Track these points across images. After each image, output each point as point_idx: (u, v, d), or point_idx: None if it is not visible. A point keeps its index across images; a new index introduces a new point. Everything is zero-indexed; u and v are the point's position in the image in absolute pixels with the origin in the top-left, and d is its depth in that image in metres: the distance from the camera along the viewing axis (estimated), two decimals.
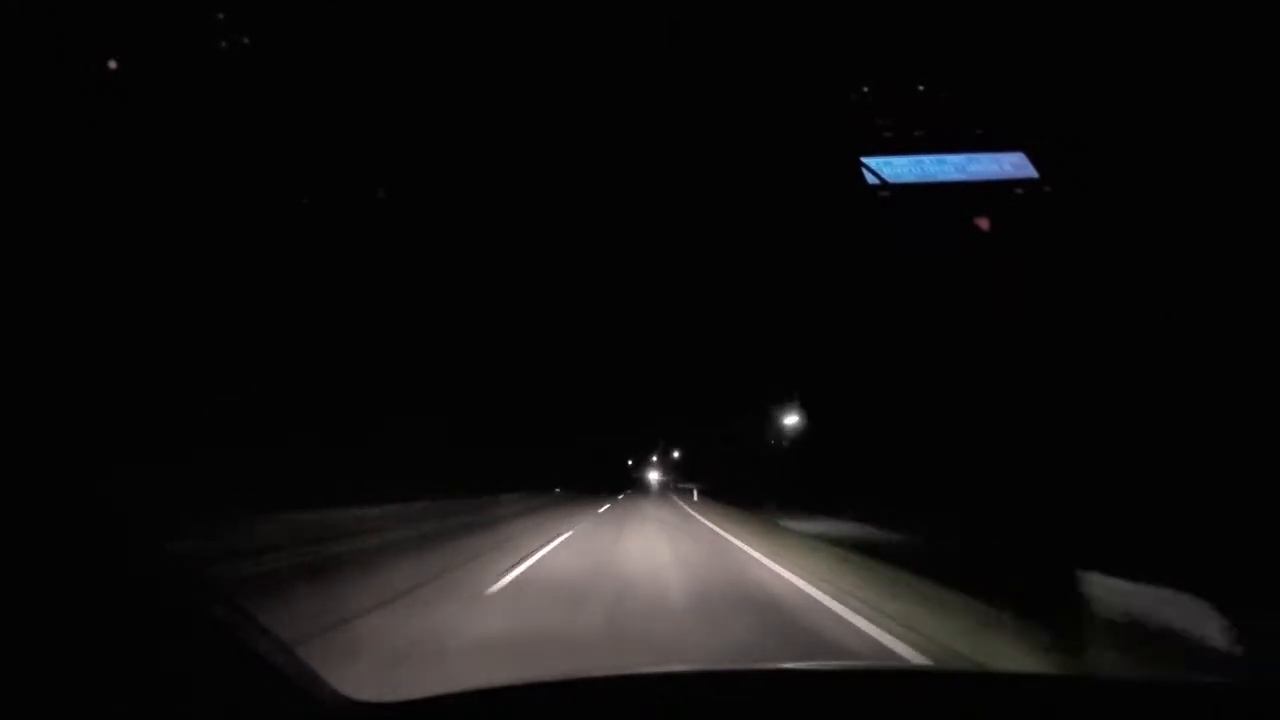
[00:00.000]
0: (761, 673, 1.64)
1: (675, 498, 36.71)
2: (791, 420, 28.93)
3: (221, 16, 11.03)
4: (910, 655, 4.40)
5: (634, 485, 61.62)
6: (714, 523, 16.56)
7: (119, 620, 0.66)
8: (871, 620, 5.31)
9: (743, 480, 32.10)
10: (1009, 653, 4.35)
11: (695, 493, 39.73)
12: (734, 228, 28.44)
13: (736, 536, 12.58)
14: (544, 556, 8.89)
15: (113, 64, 9.62)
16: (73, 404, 6.76)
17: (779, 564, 8.51)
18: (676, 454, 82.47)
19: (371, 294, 16.09)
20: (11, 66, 7.85)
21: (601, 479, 51.20)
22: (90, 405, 7.03)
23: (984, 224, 10.65)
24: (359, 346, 15.03)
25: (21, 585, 0.59)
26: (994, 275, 12.30)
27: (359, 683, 3.36)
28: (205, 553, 6.68)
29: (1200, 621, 3.68)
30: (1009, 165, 9.88)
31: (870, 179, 9.91)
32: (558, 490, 35.19)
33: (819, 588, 6.75)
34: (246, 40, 11.24)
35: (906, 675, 1.58)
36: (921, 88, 10.93)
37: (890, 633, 4.93)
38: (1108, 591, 4.36)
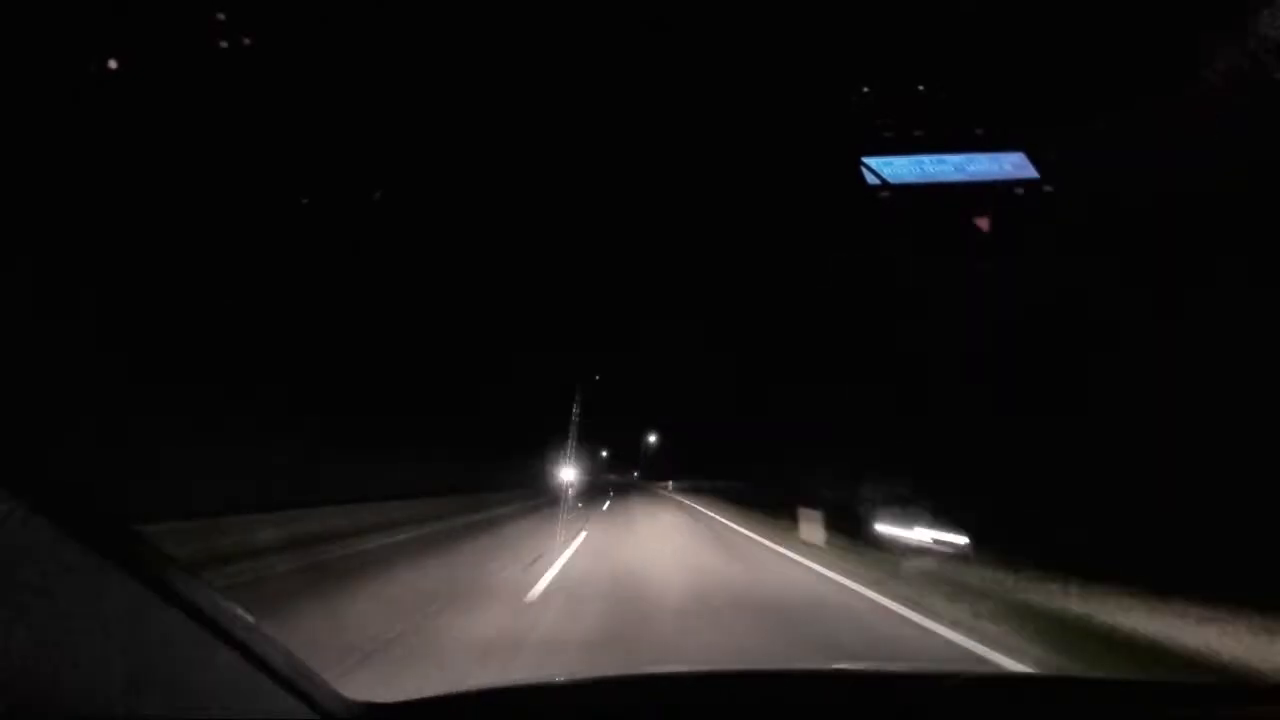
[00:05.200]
0: (762, 674, 1.64)
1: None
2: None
3: (222, 17, 11.01)
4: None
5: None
6: None
7: (117, 619, 0.66)
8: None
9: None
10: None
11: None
12: (729, 229, 28.42)
13: None
14: None
15: (113, 64, 9.62)
16: (70, 401, 6.75)
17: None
18: (605, 453, 78.24)
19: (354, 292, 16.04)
20: (10, 66, 7.84)
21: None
22: (83, 403, 7.03)
23: (984, 224, 10.66)
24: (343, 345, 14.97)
25: (19, 583, 0.59)
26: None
27: (360, 682, 3.36)
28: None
29: None
30: (1009, 165, 9.89)
31: (870, 179, 9.92)
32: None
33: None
34: (247, 40, 11.22)
35: (907, 677, 1.58)
36: (921, 88, 10.94)
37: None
38: None
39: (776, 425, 28.83)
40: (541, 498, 25.12)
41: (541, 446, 37.14)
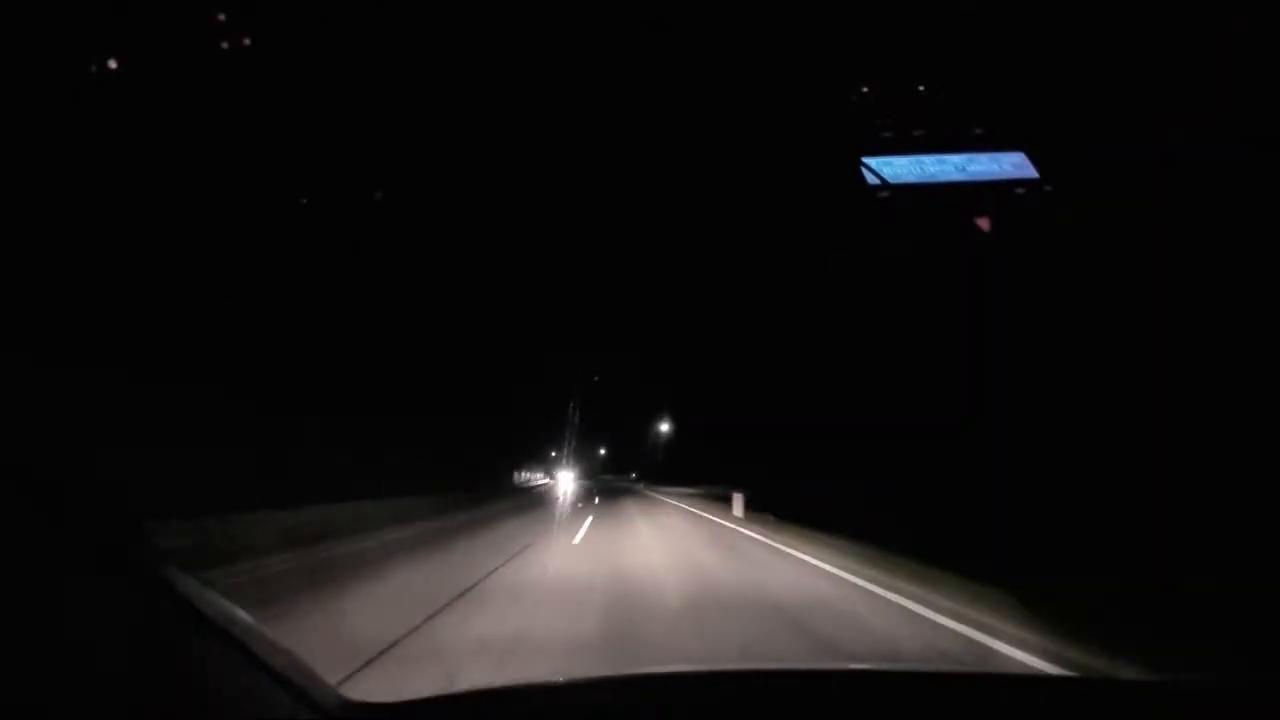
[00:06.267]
0: (762, 673, 1.64)
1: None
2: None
3: (222, 17, 11.03)
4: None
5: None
6: None
7: (117, 620, 0.66)
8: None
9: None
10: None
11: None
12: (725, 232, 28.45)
13: None
14: None
15: (113, 64, 9.63)
16: (69, 400, 6.75)
17: None
18: (602, 451, 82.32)
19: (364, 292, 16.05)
20: (11, 66, 7.85)
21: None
22: (83, 402, 7.02)
23: (984, 224, 10.66)
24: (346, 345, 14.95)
25: (19, 583, 0.59)
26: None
27: (360, 682, 3.35)
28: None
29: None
30: (1009, 165, 9.89)
31: (870, 179, 9.92)
32: None
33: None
34: (247, 40, 11.24)
35: (908, 676, 1.58)
36: (921, 88, 10.94)
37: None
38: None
39: (779, 425, 28.04)
40: (524, 498, 24.33)
41: (536, 448, 36.88)
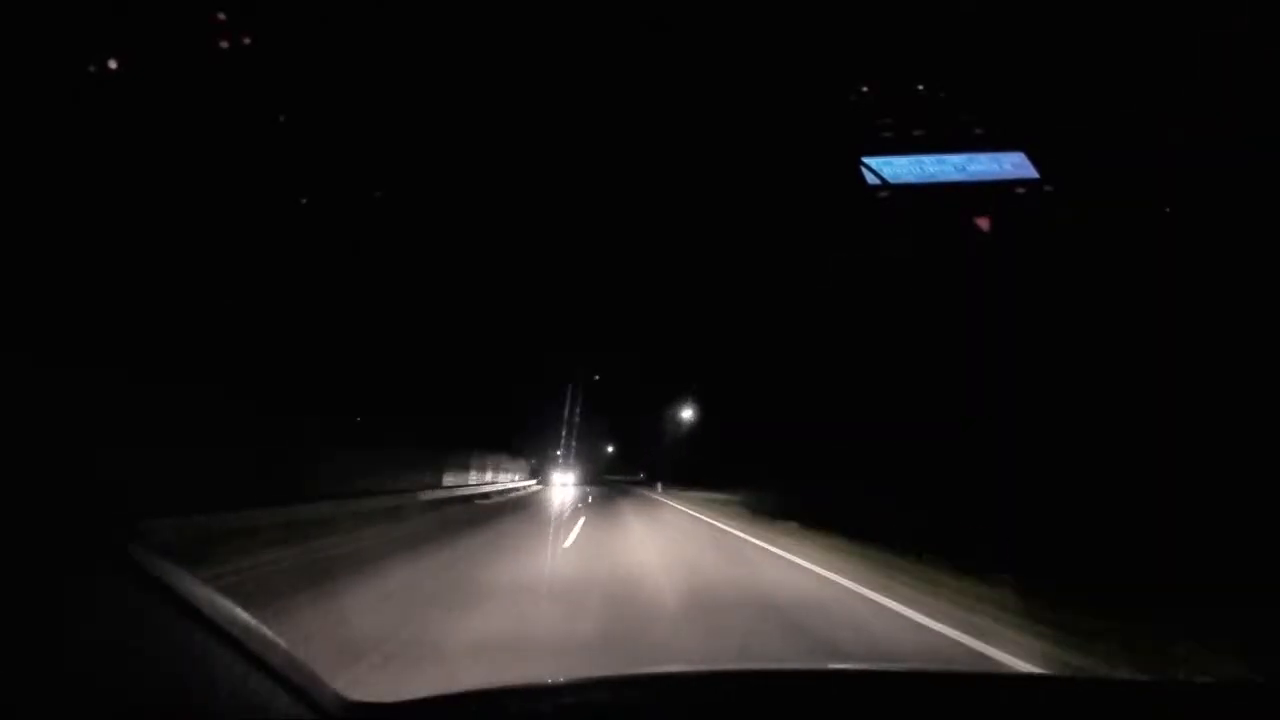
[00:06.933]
0: (762, 673, 1.64)
1: None
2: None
3: (222, 16, 11.03)
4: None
5: None
6: None
7: (115, 620, 0.66)
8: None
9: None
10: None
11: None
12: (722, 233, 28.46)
13: None
14: None
15: (113, 64, 9.63)
16: (67, 400, 6.74)
17: None
18: (610, 449, 76.90)
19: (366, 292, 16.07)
20: (11, 66, 7.85)
21: None
22: (81, 402, 7.01)
23: (984, 224, 10.66)
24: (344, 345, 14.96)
25: (17, 583, 0.59)
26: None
27: (359, 682, 3.35)
28: None
29: None
30: (1009, 165, 9.89)
31: (870, 179, 9.92)
32: None
33: None
34: (247, 40, 11.24)
35: (907, 676, 1.58)
36: (921, 88, 10.93)
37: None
38: None
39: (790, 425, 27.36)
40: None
41: (534, 447, 36.34)
